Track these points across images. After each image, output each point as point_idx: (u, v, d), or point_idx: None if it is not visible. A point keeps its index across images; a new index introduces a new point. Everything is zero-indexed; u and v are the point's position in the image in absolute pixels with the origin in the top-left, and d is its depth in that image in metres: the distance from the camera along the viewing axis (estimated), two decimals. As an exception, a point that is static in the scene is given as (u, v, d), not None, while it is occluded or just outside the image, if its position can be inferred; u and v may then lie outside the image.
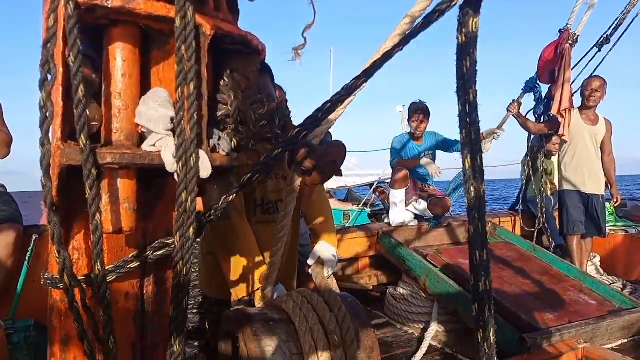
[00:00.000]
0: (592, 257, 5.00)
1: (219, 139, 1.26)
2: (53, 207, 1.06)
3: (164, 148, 1.11)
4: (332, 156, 1.81)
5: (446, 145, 4.95)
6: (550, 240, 5.16)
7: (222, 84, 1.33)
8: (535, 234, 5.23)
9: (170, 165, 1.11)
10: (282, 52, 1.86)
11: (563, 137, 4.84)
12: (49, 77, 1.04)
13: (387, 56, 1.07)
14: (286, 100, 3.73)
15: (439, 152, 5.01)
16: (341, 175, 2.07)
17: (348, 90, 1.12)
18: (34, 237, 2.72)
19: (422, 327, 4.10)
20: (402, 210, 4.77)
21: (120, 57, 1.14)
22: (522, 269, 4.49)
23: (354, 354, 1.67)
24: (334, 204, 15.14)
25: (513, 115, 4.84)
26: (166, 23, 1.13)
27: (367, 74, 1.10)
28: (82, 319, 1.20)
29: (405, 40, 1.05)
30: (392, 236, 4.68)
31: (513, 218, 5.56)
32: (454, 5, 1.02)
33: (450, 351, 3.79)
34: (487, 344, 1.18)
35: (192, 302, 2.96)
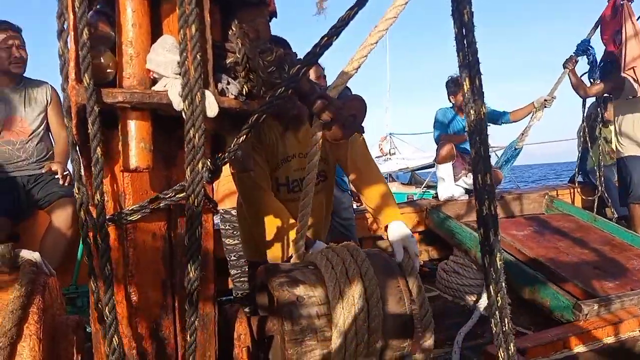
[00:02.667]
0: None
1: (228, 83, 1.33)
2: (74, 145, 1.17)
3: (170, 87, 1.19)
4: (351, 110, 1.83)
5: (493, 117, 4.78)
6: (613, 211, 4.87)
7: (230, 33, 1.40)
8: (596, 205, 4.94)
9: (177, 103, 1.19)
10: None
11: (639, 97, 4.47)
12: (65, 27, 1.15)
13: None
14: (324, 76, 3.75)
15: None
16: (363, 131, 2.08)
17: (343, 22, 1.15)
18: None
19: (474, 299, 4.02)
20: (450, 185, 4.68)
21: (130, 8, 1.23)
22: (580, 239, 4.29)
23: (375, 302, 1.68)
24: (397, 187, 14.92)
25: (568, 74, 4.58)
26: (171, -27, 1.21)
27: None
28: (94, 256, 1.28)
29: None
30: (440, 210, 4.61)
31: (572, 190, 5.29)
32: None
33: (503, 322, 3.69)
34: (494, 268, 1.18)
35: (239, 270, 3.09)
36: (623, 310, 3.21)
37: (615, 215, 4.79)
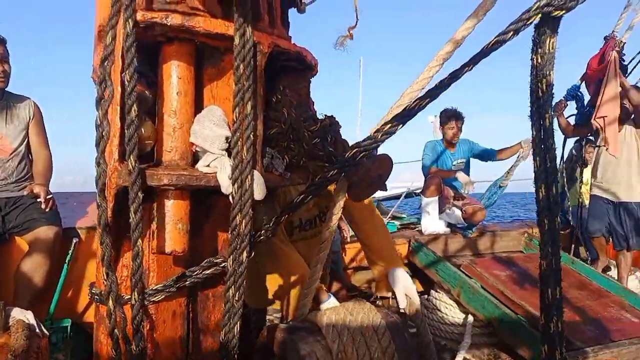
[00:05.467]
0: (634, 271, 4.80)
1: (272, 157, 1.23)
2: (107, 227, 1.04)
3: (219, 169, 1.08)
4: (378, 170, 1.75)
5: (480, 154, 4.81)
6: (587, 252, 4.98)
7: (274, 100, 1.29)
8: (572, 246, 5.04)
9: (226, 187, 1.08)
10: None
11: (607, 149, 4.63)
12: (106, 95, 1.01)
13: (454, 77, 1.01)
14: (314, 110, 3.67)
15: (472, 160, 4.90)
16: (386, 189, 2.01)
17: (410, 112, 1.07)
18: (75, 241, 2.74)
19: (453, 338, 4.00)
20: (434, 219, 4.66)
21: (176, 74, 1.11)
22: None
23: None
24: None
25: (557, 117, 4.68)
26: (223, 40, 1.10)
27: (432, 95, 1.04)
28: (123, 342, 1.16)
29: (476, 59, 0.99)
30: (424, 245, 4.59)
31: (549, 228, 5.41)
32: (530, 24, 0.95)
33: (483, 365, 3.69)
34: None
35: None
36: (606, 363, 3.25)
37: (590, 257, 4.90)
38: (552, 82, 1.00)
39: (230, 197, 1.08)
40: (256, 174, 1.12)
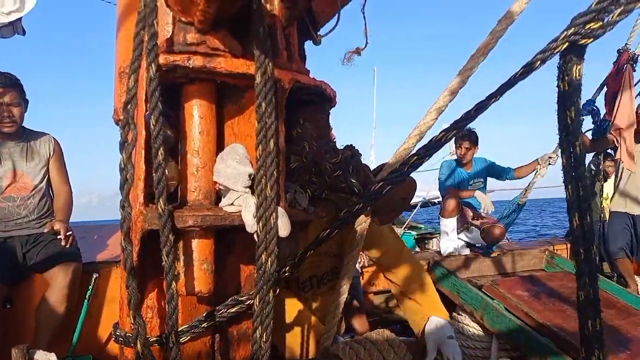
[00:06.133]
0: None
1: (295, 192, 1.21)
2: (132, 271, 1.03)
3: (244, 208, 1.07)
4: (402, 193, 1.72)
5: (497, 172, 4.78)
6: (612, 269, 4.86)
7: (294, 134, 1.29)
8: (597, 261, 4.94)
9: (251, 225, 1.06)
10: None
11: (621, 161, 4.58)
12: (129, 138, 1.02)
13: (481, 108, 1.00)
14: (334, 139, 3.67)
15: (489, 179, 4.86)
16: (410, 210, 1.98)
17: (437, 143, 1.05)
18: (95, 276, 2.75)
19: (479, 363, 3.90)
20: (453, 239, 4.61)
21: (198, 114, 1.11)
22: (585, 301, 4.23)
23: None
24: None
25: None
26: (244, 79, 1.10)
27: (458, 125, 1.03)
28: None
29: (502, 90, 0.98)
30: (444, 266, 4.52)
31: (569, 245, 5.29)
32: (557, 53, 0.94)
33: (511, 390, 3.58)
34: None
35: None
36: (640, 386, 3.14)
37: (615, 274, 4.78)
38: (580, 108, 0.98)
39: (255, 236, 1.07)
40: (280, 210, 1.10)
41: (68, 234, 2.69)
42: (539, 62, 0.94)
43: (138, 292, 1.04)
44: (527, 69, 0.96)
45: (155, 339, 1.16)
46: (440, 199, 5.23)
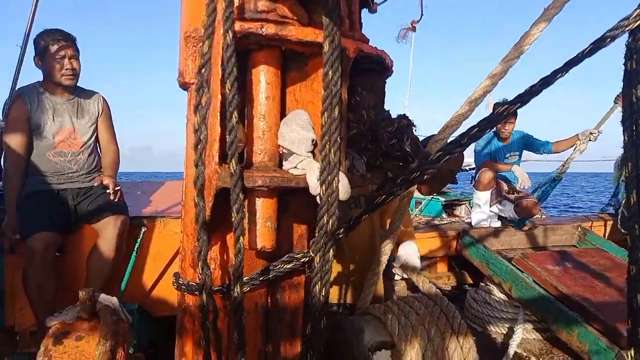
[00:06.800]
0: None
1: (353, 159, 1.27)
2: (204, 225, 1.11)
3: (308, 171, 1.13)
4: (451, 166, 1.76)
5: (534, 146, 4.71)
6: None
7: (353, 102, 1.33)
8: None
9: (315, 188, 1.12)
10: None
11: None
12: (203, 101, 1.08)
13: (546, 83, 1.02)
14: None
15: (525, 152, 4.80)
16: (456, 182, 2.02)
17: (498, 116, 1.08)
18: (143, 230, 2.89)
19: (504, 332, 3.97)
20: (486, 212, 4.62)
21: (265, 80, 1.16)
22: (616, 278, 4.22)
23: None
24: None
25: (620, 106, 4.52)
26: (311, 46, 1.14)
27: (523, 98, 1.05)
28: (211, 330, 1.24)
29: (569, 65, 0.99)
30: (473, 237, 4.55)
31: (605, 223, 5.23)
32: (627, 30, 0.95)
33: (535, 360, 3.65)
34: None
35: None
36: (666, 363, 3.16)
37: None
38: None
39: (318, 198, 1.13)
40: (342, 175, 1.16)
41: (117, 188, 2.82)
42: (608, 40, 0.95)
43: (208, 246, 1.12)
44: (596, 46, 0.97)
45: (217, 288, 1.25)
46: (473, 167, 5.20)
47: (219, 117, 1.07)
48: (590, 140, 4.47)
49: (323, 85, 1.09)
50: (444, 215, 6.57)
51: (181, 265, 1.45)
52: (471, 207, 6.33)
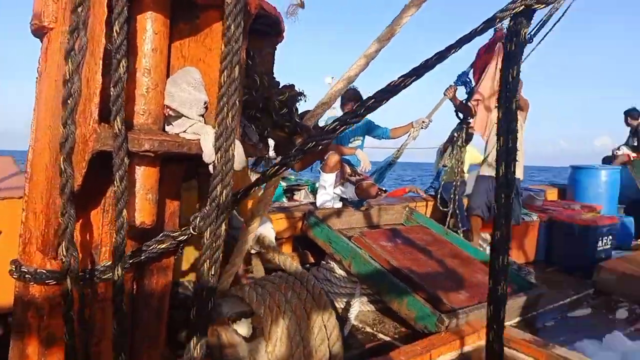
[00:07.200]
0: (483, 236, 5.45)
1: (244, 126, 1.17)
2: (71, 197, 0.91)
3: (203, 136, 1.00)
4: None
5: (374, 131, 5.07)
6: (459, 224, 5.56)
7: (244, 65, 1.22)
8: (448, 219, 5.58)
9: (209, 155, 1.01)
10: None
11: (471, 128, 5.19)
12: (76, 47, 0.87)
13: (441, 57, 1.06)
14: None
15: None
16: (323, 159, 2.04)
17: (394, 88, 1.10)
18: None
19: (343, 307, 4.23)
20: (330, 194, 4.83)
21: (152, 29, 0.99)
22: (436, 251, 4.80)
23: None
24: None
25: (450, 99, 5.11)
26: (208, -4, 1.01)
27: (417, 72, 1.08)
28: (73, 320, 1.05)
29: (462, 42, 1.05)
30: (318, 217, 4.73)
31: (427, 203, 5.91)
32: (512, 13, 1.04)
33: (370, 330, 3.96)
34: (497, 346, 1.25)
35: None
36: (475, 321, 3.70)
37: (462, 228, 5.48)
38: (520, 69, 1.10)
39: (212, 167, 1.02)
40: (237, 143, 1.06)
41: None
42: (497, 20, 1.03)
43: (75, 222, 0.93)
44: (486, 25, 1.04)
45: (83, 273, 1.05)
46: None
47: (101, 66, 0.88)
48: (422, 127, 4.98)
49: (224, 40, 0.97)
50: (284, 199, 6.70)
51: (24, 250, 1.19)
52: (310, 192, 6.58)
